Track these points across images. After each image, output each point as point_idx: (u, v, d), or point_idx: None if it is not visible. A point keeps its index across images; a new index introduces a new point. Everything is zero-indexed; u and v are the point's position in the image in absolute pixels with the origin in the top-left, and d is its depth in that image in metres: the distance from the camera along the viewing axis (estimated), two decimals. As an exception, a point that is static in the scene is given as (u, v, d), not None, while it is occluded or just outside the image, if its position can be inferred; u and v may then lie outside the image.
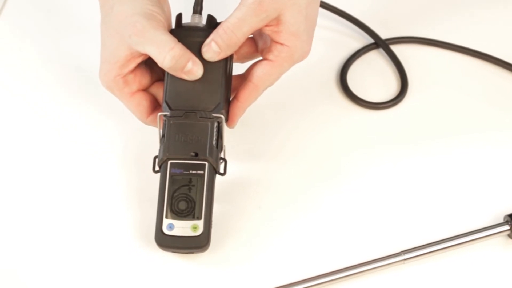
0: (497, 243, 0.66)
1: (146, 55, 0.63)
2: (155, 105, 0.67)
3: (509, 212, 0.67)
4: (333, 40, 0.83)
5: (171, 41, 0.62)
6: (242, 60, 0.69)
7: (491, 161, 0.72)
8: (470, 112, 0.76)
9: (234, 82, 0.67)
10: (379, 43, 0.82)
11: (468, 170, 0.72)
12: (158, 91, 0.67)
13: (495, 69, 0.80)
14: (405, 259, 0.64)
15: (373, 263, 0.64)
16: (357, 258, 0.64)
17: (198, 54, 0.64)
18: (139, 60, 0.64)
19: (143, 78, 0.66)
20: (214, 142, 0.64)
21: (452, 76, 0.80)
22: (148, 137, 0.70)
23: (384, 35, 0.82)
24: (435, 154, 0.73)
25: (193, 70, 0.63)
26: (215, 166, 0.63)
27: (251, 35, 0.66)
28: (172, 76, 0.64)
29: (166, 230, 0.62)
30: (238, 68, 0.68)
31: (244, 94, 0.66)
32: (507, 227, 0.66)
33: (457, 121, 0.76)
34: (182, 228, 0.62)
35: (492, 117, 0.76)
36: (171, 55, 0.61)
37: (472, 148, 0.73)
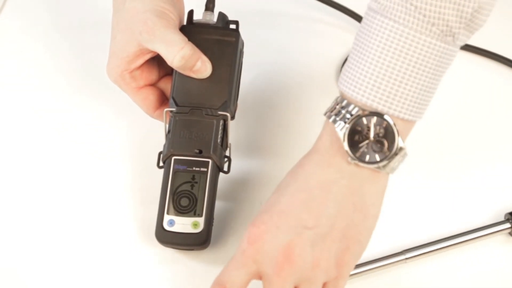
0: (498, 241, 0.67)
1: (155, 52, 0.63)
2: (163, 100, 0.67)
3: (509, 210, 0.67)
4: (333, 35, 0.82)
5: (181, 40, 0.62)
6: None
7: (491, 159, 0.72)
8: (471, 109, 0.76)
9: None
10: (380, 39, 0.81)
11: (468, 168, 0.72)
12: (167, 86, 0.67)
13: (496, 66, 0.80)
14: (406, 258, 0.64)
15: (374, 262, 0.64)
16: (359, 256, 0.65)
17: (208, 51, 0.63)
18: (148, 56, 0.64)
19: (150, 74, 0.66)
20: (219, 140, 0.63)
21: (452, 73, 0.80)
22: (149, 135, 0.70)
23: (384, 31, 0.81)
24: (436, 151, 0.73)
25: (202, 69, 0.63)
26: (218, 164, 0.63)
27: None
28: (180, 73, 0.64)
29: (166, 226, 0.62)
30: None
31: None
32: (508, 225, 0.66)
33: (458, 118, 0.76)
34: (182, 224, 0.62)
35: (494, 115, 0.76)
36: (180, 55, 0.61)
37: (473, 145, 0.73)
